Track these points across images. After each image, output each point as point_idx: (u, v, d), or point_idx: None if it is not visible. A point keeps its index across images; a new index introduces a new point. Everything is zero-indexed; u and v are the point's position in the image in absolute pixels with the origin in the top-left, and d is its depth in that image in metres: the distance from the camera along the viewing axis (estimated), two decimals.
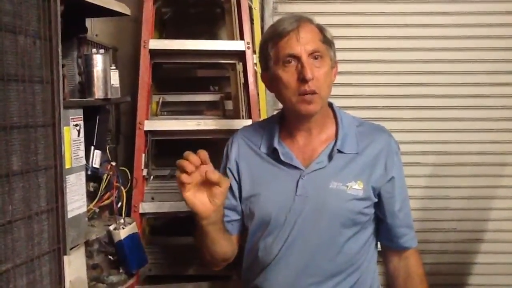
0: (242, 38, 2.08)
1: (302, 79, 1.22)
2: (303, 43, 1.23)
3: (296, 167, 1.31)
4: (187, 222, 2.33)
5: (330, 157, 1.30)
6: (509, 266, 2.61)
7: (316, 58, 1.25)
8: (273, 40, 1.27)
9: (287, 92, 1.26)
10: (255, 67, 2.14)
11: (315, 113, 1.27)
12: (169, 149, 2.58)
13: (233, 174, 1.39)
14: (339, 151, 1.31)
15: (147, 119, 2.00)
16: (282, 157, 1.32)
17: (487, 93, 2.56)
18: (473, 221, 2.61)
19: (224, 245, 1.33)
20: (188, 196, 1.14)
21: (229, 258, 1.39)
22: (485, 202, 2.61)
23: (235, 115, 2.38)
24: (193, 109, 2.64)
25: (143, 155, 1.98)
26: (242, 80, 2.29)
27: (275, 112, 2.42)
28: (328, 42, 1.29)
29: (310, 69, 1.22)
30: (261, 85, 2.19)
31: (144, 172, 2.03)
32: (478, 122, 2.57)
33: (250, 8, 2.18)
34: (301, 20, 1.27)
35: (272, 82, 1.31)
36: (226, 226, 1.39)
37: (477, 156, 2.58)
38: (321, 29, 1.30)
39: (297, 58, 1.23)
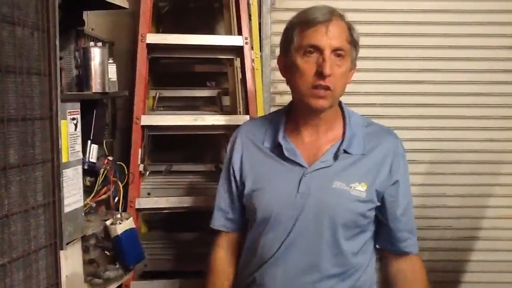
0: (240, 33, 2.06)
1: (320, 73, 1.20)
2: (330, 38, 1.20)
3: (299, 164, 1.29)
4: (183, 218, 2.33)
5: (336, 157, 1.29)
6: (504, 264, 2.62)
7: (338, 56, 1.22)
8: (301, 26, 1.24)
9: (302, 82, 1.23)
10: (253, 63, 2.12)
11: (324, 109, 1.26)
12: (165, 145, 2.57)
13: (234, 172, 1.38)
14: (345, 152, 1.29)
15: (143, 114, 1.98)
16: (286, 153, 1.30)
17: (484, 91, 2.56)
18: (469, 219, 2.61)
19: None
20: None
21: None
22: (481, 200, 2.61)
23: (233, 111, 2.37)
24: (190, 105, 2.63)
25: (140, 150, 1.97)
26: (240, 76, 2.27)
27: (271, 109, 2.42)
28: (353, 42, 1.26)
29: (330, 65, 1.20)
30: (259, 81, 2.19)
31: (141, 168, 2.01)
32: (475, 120, 2.57)
33: (248, 3, 2.16)
34: (334, 13, 1.24)
35: (288, 68, 1.29)
36: (228, 223, 1.42)
37: (474, 154, 2.59)
38: (350, 28, 1.27)
39: (320, 51, 1.21)
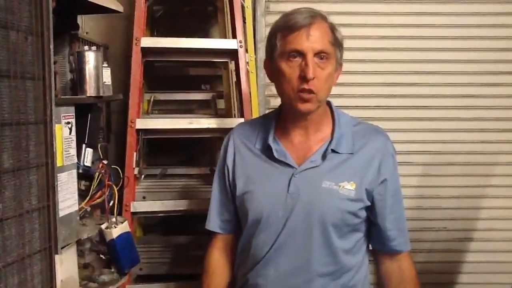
0: (234, 36, 2.07)
1: (303, 77, 1.21)
2: (311, 41, 1.21)
3: (289, 165, 1.30)
4: (179, 221, 2.33)
5: (324, 157, 1.29)
6: (498, 265, 2.64)
7: (321, 59, 1.23)
8: (282, 32, 1.25)
9: (287, 86, 1.24)
10: (247, 66, 2.13)
11: (310, 112, 1.27)
12: (160, 148, 2.58)
13: (228, 174, 1.39)
14: (334, 151, 1.30)
15: (138, 117, 1.98)
16: (275, 155, 1.31)
17: (477, 93, 2.58)
18: (463, 220, 2.63)
19: None
20: None
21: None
22: (475, 201, 2.63)
23: (227, 114, 2.37)
24: (184, 108, 2.63)
25: (135, 153, 1.97)
26: (234, 79, 2.28)
27: (267, 111, 2.43)
28: (337, 43, 1.27)
29: (313, 69, 1.20)
30: (253, 84, 2.19)
31: (136, 171, 2.01)
32: (469, 122, 2.59)
33: (243, 7, 2.17)
34: (315, 16, 1.24)
35: (274, 72, 1.30)
36: (223, 225, 1.42)
37: (468, 156, 2.60)
38: (333, 29, 1.27)
39: (302, 55, 1.22)
